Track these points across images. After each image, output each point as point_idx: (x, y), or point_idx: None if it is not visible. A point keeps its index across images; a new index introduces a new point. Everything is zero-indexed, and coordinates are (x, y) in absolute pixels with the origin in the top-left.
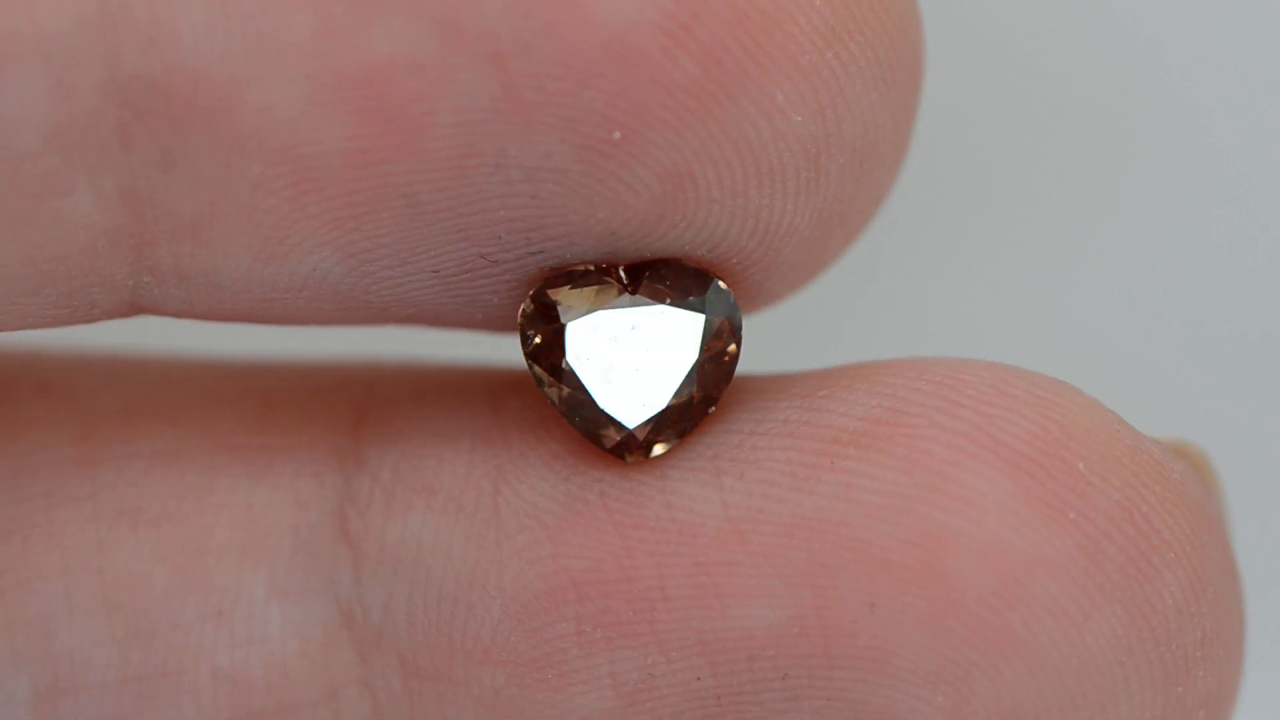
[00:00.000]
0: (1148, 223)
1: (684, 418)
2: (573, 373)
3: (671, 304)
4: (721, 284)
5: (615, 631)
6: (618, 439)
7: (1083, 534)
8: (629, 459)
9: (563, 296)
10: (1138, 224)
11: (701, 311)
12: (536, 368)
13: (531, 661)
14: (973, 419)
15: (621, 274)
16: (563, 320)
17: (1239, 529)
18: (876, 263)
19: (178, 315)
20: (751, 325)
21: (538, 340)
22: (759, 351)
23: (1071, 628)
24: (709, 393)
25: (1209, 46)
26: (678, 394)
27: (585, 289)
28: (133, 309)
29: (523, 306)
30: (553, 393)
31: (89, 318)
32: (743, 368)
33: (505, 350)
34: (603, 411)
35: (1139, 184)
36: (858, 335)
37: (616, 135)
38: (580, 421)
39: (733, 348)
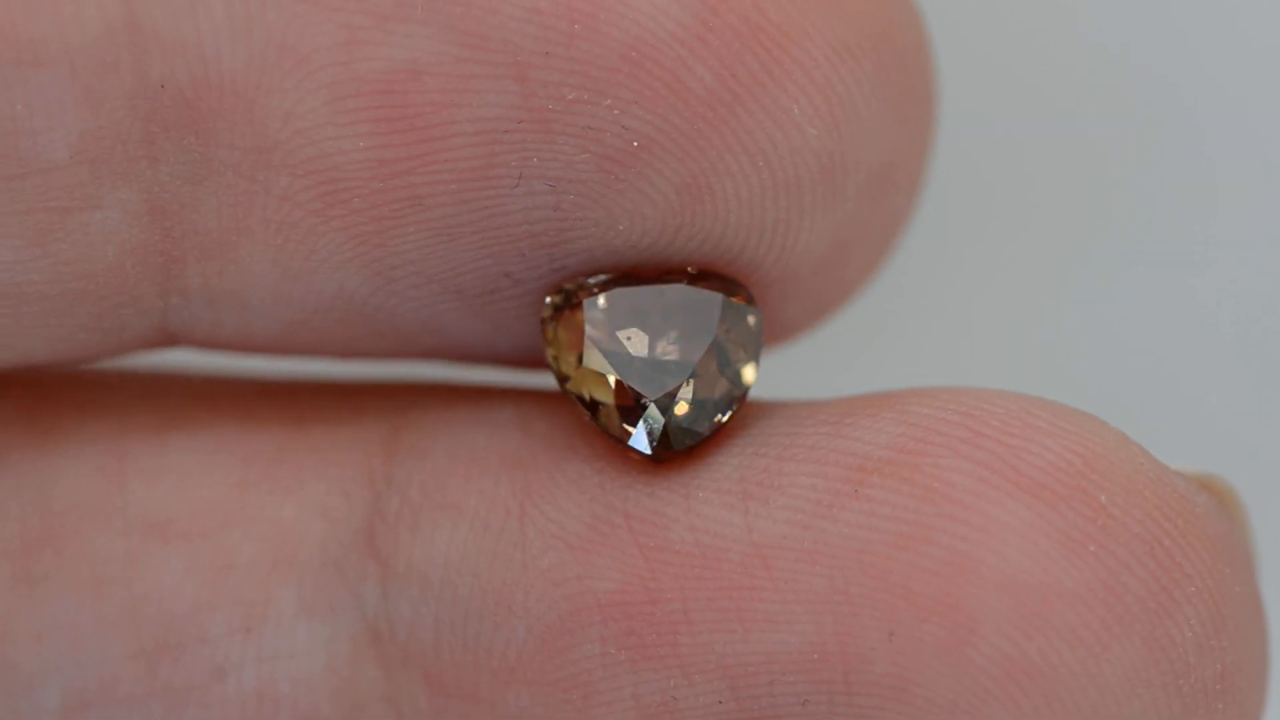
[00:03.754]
0: (1184, 251)
1: (710, 413)
2: (594, 371)
3: (689, 284)
4: (737, 281)
5: (639, 654)
6: (642, 437)
7: (1103, 566)
8: (660, 456)
9: (583, 286)
10: (1174, 252)
11: (719, 292)
12: (559, 365)
13: (556, 682)
14: (996, 449)
15: None
16: (585, 312)
17: (1266, 562)
18: (905, 289)
19: (207, 343)
20: (783, 350)
21: (560, 335)
22: (787, 376)
23: (1089, 659)
24: (733, 386)
25: (1232, 64)
26: (701, 383)
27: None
28: (163, 335)
29: (546, 303)
30: (574, 392)
31: (120, 344)
32: (770, 393)
33: (534, 373)
34: (626, 409)
35: (1176, 213)
36: (886, 362)
37: (635, 144)
38: (603, 419)
39: (752, 324)
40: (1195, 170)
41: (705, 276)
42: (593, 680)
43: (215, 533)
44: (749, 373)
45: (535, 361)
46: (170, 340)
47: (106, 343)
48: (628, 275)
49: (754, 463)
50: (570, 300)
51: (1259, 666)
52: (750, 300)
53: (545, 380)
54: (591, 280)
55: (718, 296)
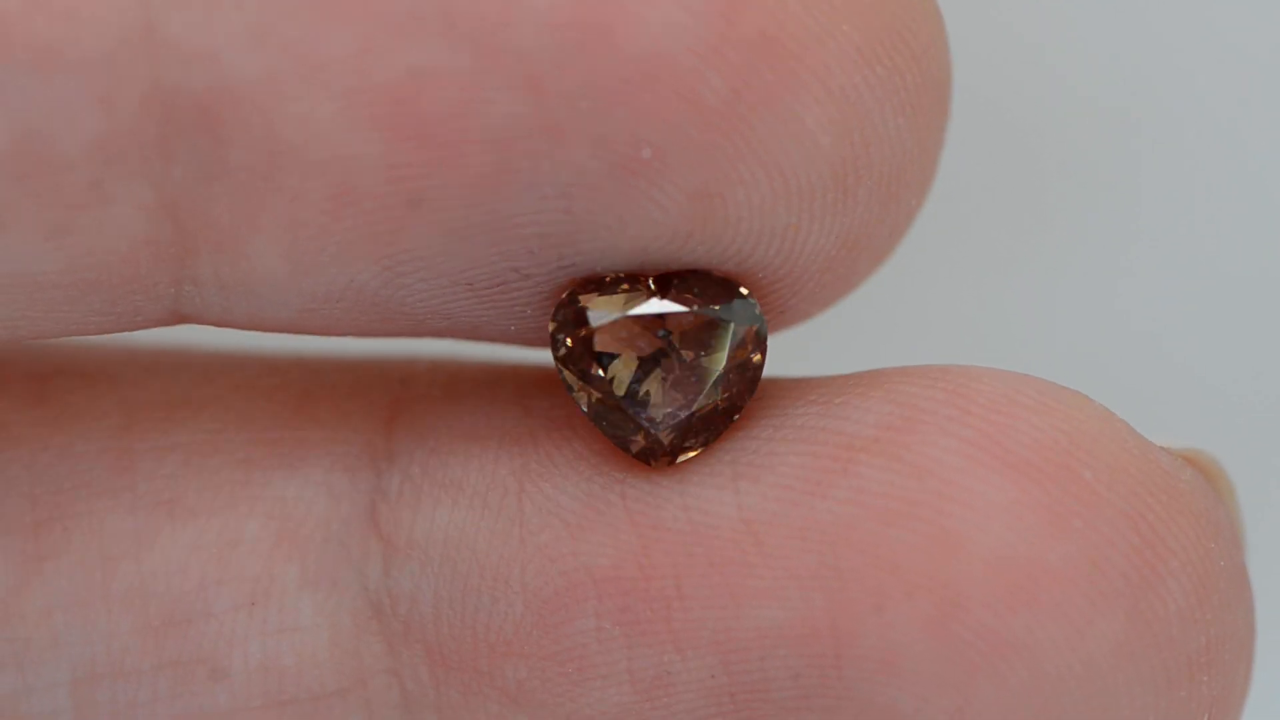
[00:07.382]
0: (1170, 234)
1: (709, 425)
2: (601, 377)
3: (699, 310)
4: (748, 294)
5: (633, 629)
6: (644, 444)
7: (1087, 541)
8: (654, 464)
9: (592, 302)
10: (1159, 234)
11: (729, 319)
12: (566, 372)
13: (553, 656)
14: (982, 427)
15: (650, 283)
16: (592, 325)
17: (1253, 537)
18: (898, 270)
19: (219, 324)
20: (773, 330)
21: (568, 344)
22: (779, 356)
23: (1074, 632)
24: (734, 400)
25: (1236, 59)
26: (704, 400)
27: (615, 296)
28: (175, 316)
29: (554, 312)
30: (581, 398)
31: (133, 325)
32: (764, 371)
33: (537, 351)
34: (630, 417)
35: (1160, 197)
36: (877, 341)
37: (646, 154)
38: (607, 426)
39: (758, 356)
40: (1184, 149)
41: (713, 285)
42: (588, 654)
43: (221, 510)
44: (748, 394)
45: (544, 342)
46: (182, 320)
47: (120, 324)
48: (634, 276)
49: (746, 443)
50: (580, 321)
51: (1244, 640)
52: (759, 318)
53: (546, 359)
54: (598, 293)
55: (727, 325)
